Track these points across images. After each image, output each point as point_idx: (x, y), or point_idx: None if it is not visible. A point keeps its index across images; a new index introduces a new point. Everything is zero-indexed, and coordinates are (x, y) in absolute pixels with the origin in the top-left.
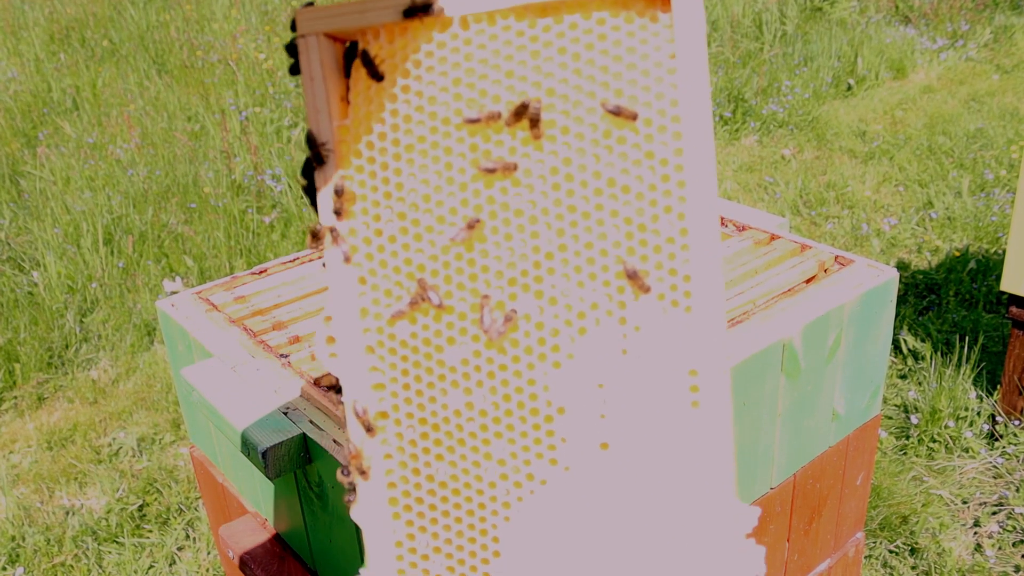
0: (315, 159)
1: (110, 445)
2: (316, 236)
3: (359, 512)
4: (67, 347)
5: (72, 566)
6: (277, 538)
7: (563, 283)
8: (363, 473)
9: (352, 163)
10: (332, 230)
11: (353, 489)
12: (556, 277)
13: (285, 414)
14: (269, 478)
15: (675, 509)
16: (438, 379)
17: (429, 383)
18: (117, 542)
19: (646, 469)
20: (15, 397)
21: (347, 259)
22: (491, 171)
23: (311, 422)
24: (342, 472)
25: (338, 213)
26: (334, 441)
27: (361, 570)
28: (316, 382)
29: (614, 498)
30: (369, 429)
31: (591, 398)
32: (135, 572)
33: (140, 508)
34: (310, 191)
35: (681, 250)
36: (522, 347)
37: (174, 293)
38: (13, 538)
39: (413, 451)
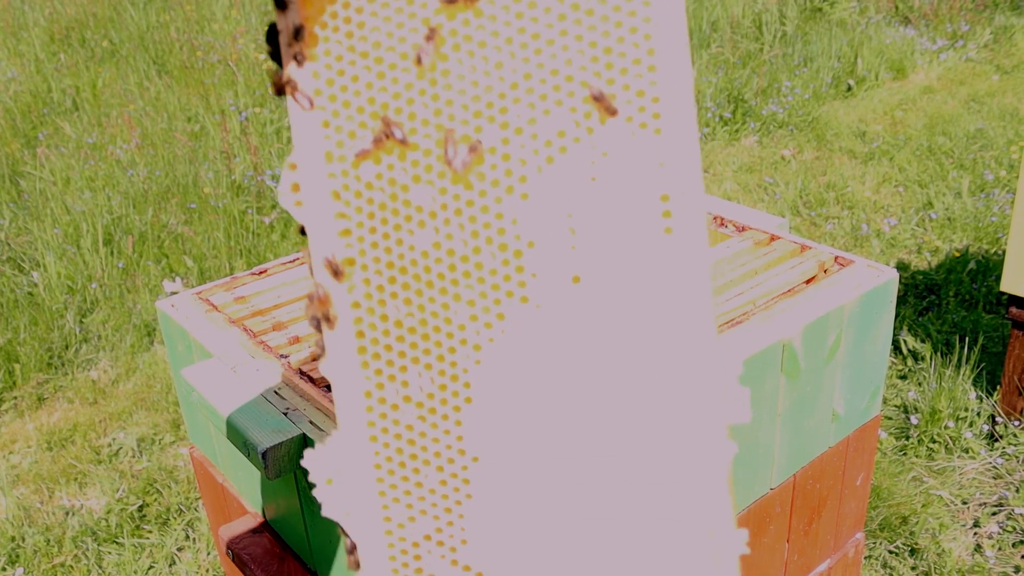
0: (277, 4)
1: (110, 445)
2: (278, 87)
3: (328, 365)
4: (67, 347)
5: (72, 567)
6: (277, 538)
7: (528, 112)
8: (329, 321)
9: (313, 6)
10: (290, 81)
11: (323, 348)
12: (521, 106)
13: (285, 414)
14: (269, 478)
15: (652, 344)
16: (405, 220)
17: (396, 225)
18: (117, 542)
19: (620, 301)
20: (15, 397)
21: (310, 104)
22: (452, 2)
23: (311, 422)
24: (311, 323)
25: (298, 59)
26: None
27: (334, 434)
28: (314, 381)
29: (588, 334)
30: (337, 272)
31: (561, 230)
32: (135, 572)
33: (140, 508)
34: (275, 55)
35: (648, 71)
36: (488, 180)
37: (174, 293)
38: (13, 538)
39: (381, 297)
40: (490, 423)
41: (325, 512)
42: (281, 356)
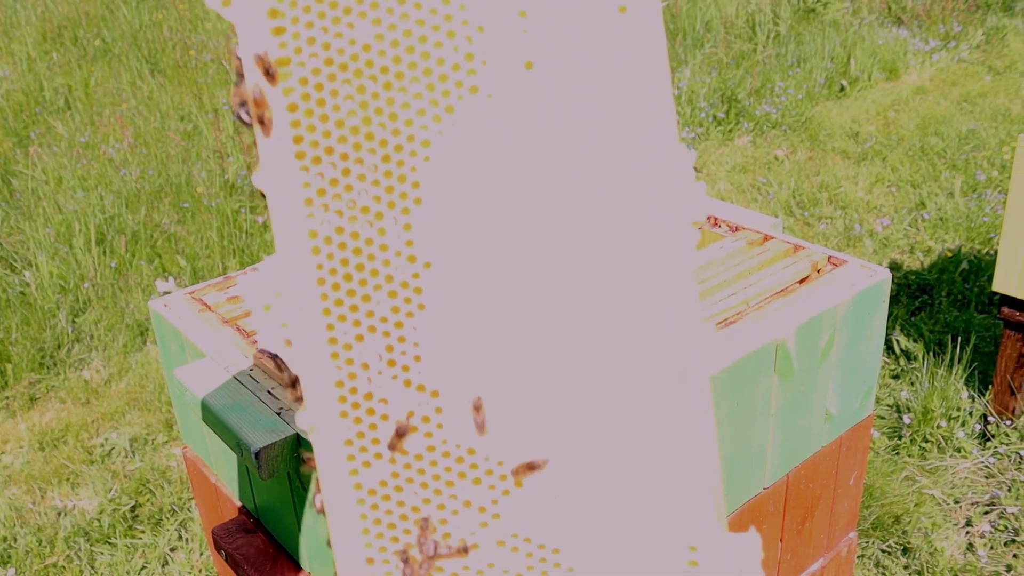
0: None
1: (102, 446)
2: None
3: (263, 175)
4: (59, 347)
5: (64, 567)
6: (270, 538)
7: None
8: (264, 125)
9: None
10: None
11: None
12: None
13: (278, 414)
14: (262, 478)
15: (610, 130)
16: (344, 12)
17: (334, 18)
18: (109, 543)
19: (575, 87)
20: (7, 397)
21: None
22: None
23: None
24: (235, 117)
25: None
26: None
27: (267, 258)
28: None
29: (543, 125)
30: (270, 74)
31: (511, 12)
32: (127, 573)
33: (132, 509)
34: None
35: None
36: None
37: (167, 293)
38: (4, 539)
39: (320, 96)
40: (442, 225)
41: (262, 343)
42: (274, 356)
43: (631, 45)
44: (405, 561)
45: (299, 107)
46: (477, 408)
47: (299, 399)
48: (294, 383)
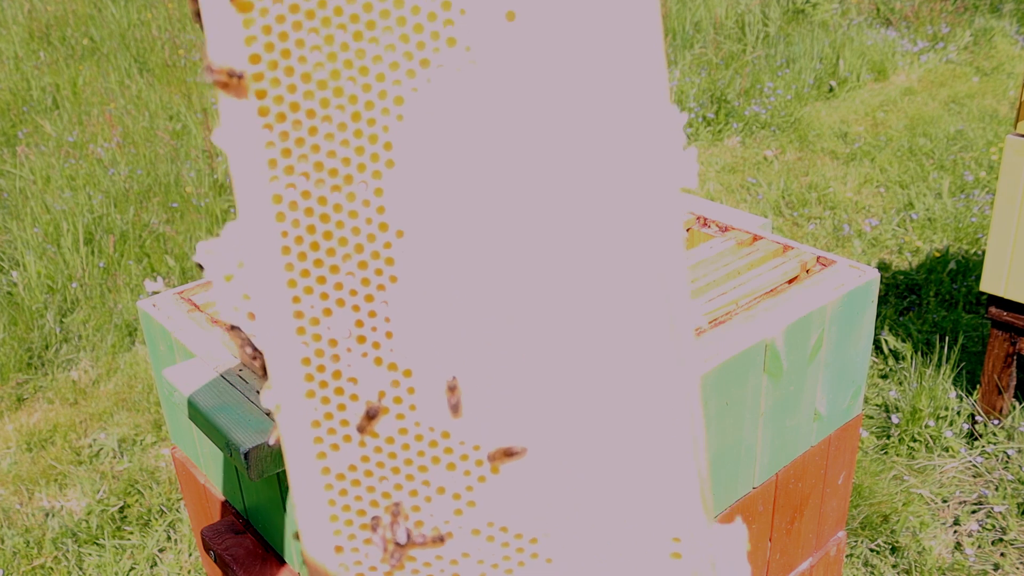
0: None
1: (91, 446)
2: None
3: (223, 134)
4: (47, 347)
5: (52, 568)
6: (259, 539)
7: None
8: (227, 86)
9: None
10: None
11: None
12: None
13: (267, 415)
14: (251, 479)
15: (597, 89)
16: None
17: None
18: (97, 544)
19: (560, 41)
20: None
21: None
22: None
23: None
24: (206, 73)
25: None
26: None
27: (230, 223)
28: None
29: (525, 82)
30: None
31: None
32: (116, 574)
33: (121, 510)
34: None
35: None
36: None
37: (156, 293)
38: None
39: (284, 46)
40: (416, 190)
41: (223, 315)
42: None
43: None
44: (376, 549)
45: (262, 58)
46: (452, 389)
47: (264, 375)
48: (256, 358)
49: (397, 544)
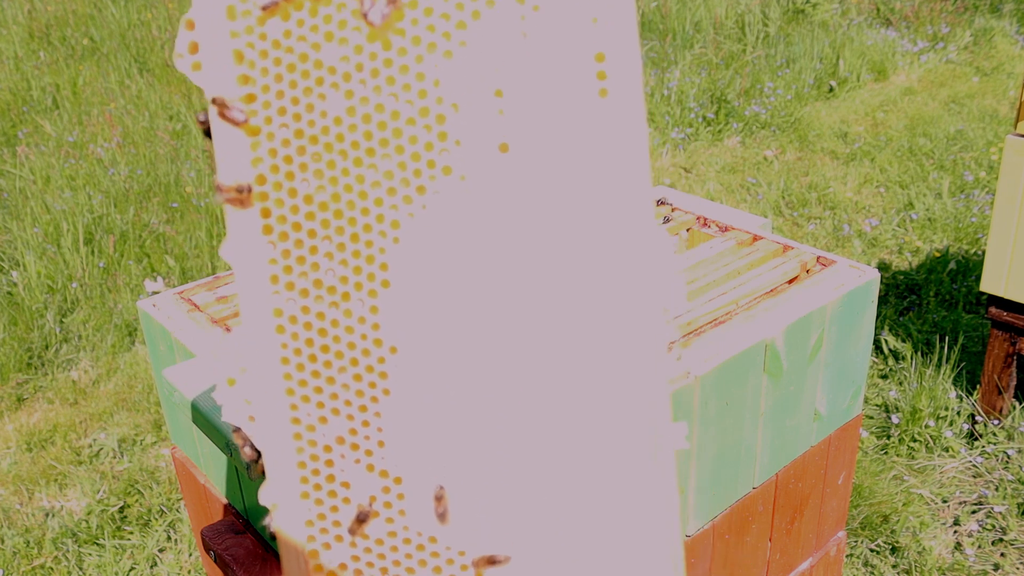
0: None
1: (91, 446)
2: None
3: (230, 247)
4: (47, 347)
5: (52, 568)
6: (259, 539)
7: None
8: (235, 202)
9: None
10: None
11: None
12: None
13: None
14: (251, 479)
15: (587, 220)
16: (316, 83)
17: (306, 88)
18: (97, 544)
19: (552, 172)
20: None
21: None
22: None
23: None
24: (217, 193)
25: None
26: None
27: (236, 328)
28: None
29: (517, 209)
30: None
31: (487, 92)
32: (116, 574)
33: (121, 510)
34: None
35: None
36: (409, 37)
37: (156, 293)
38: None
39: (288, 169)
40: (409, 310)
41: (226, 416)
42: (238, 429)
43: (610, 131)
44: None
45: (267, 179)
46: (439, 498)
47: (261, 473)
48: (256, 459)
49: None
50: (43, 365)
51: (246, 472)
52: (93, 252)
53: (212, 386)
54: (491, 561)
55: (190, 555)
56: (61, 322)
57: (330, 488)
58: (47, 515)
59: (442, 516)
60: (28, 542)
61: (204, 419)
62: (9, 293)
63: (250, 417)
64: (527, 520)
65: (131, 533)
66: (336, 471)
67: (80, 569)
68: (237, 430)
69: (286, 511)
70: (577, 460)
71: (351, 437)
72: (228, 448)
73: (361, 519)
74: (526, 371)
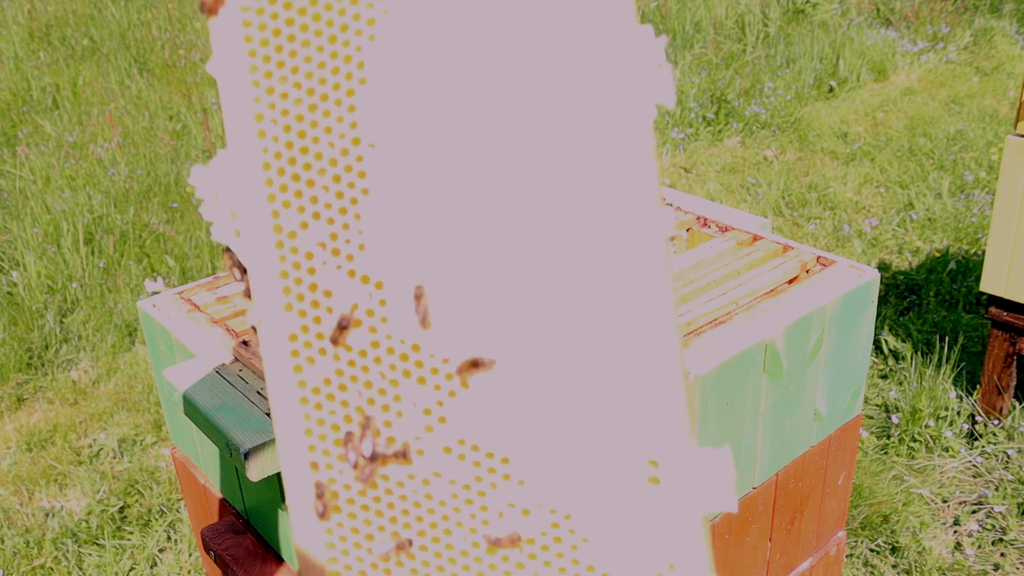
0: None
1: (91, 446)
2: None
3: (214, 63)
4: (47, 348)
5: (52, 568)
6: (259, 539)
7: None
8: (213, 9)
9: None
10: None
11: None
12: None
13: (268, 415)
14: (251, 479)
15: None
16: None
17: None
18: (98, 544)
19: None
20: None
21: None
22: None
23: None
24: (200, 6)
25: None
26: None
27: (220, 151)
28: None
29: (493, 6)
30: None
31: None
32: (116, 574)
33: (121, 510)
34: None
35: None
36: None
37: (156, 293)
38: None
39: None
40: (387, 105)
41: (215, 235)
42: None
43: None
44: (348, 465)
45: None
46: (418, 297)
47: (248, 293)
48: (243, 276)
49: (366, 459)
50: (43, 365)
51: (246, 472)
52: (93, 252)
53: (210, 385)
54: (475, 364)
55: (190, 555)
56: (61, 322)
57: (312, 297)
58: (47, 515)
59: (423, 319)
60: (28, 542)
61: (203, 418)
62: (9, 293)
63: (236, 232)
64: (513, 322)
65: (131, 533)
66: (318, 279)
67: (80, 569)
68: (226, 251)
69: (270, 326)
70: (564, 259)
71: (332, 242)
72: (228, 448)
73: (343, 327)
74: (506, 162)
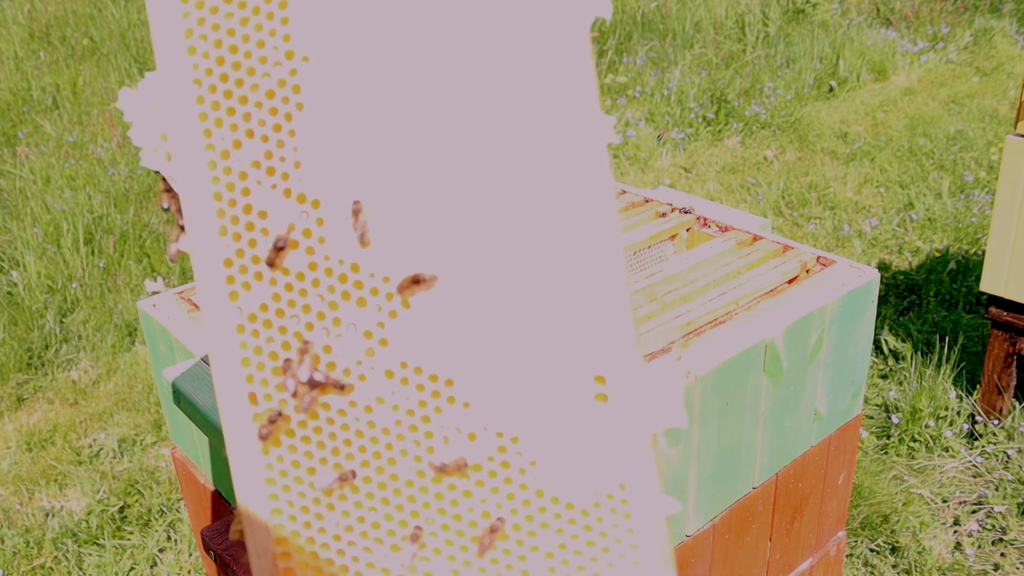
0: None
1: (91, 446)
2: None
3: None
4: (47, 347)
5: (52, 568)
6: None
7: None
8: None
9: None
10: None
11: None
12: None
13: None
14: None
15: None
16: None
17: None
18: (98, 544)
19: None
20: None
21: None
22: None
23: None
24: None
25: None
26: None
27: (148, 74)
28: None
29: None
30: None
31: None
32: (116, 574)
33: (121, 510)
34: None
35: None
36: None
37: (156, 293)
38: None
39: None
40: (321, 16)
41: (145, 161)
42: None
43: None
44: (287, 394)
45: None
46: (356, 213)
47: (181, 228)
48: (173, 203)
49: (305, 386)
50: (43, 365)
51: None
52: (93, 252)
53: (210, 384)
54: (415, 281)
55: (190, 555)
56: (61, 322)
57: (247, 219)
58: (47, 515)
59: (361, 237)
60: (28, 542)
61: (203, 418)
62: (9, 293)
63: (167, 155)
64: (453, 238)
65: (131, 533)
66: (253, 199)
67: (80, 569)
68: (160, 180)
69: (204, 252)
70: (502, 173)
71: (266, 161)
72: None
73: (279, 248)
74: (444, 75)
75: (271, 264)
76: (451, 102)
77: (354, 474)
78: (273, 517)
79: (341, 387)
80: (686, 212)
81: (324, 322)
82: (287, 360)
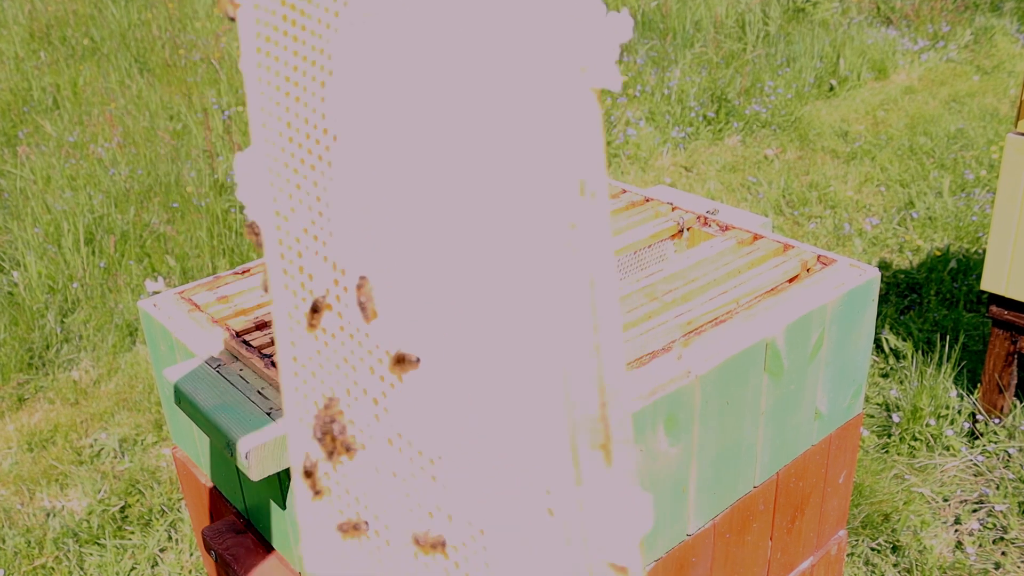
0: None
1: (91, 446)
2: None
3: (242, 60)
4: (48, 347)
5: (53, 568)
6: (260, 539)
7: None
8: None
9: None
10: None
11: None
12: None
13: (268, 414)
14: (252, 479)
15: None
16: None
17: None
18: (99, 544)
19: None
20: None
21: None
22: None
23: None
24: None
25: None
26: None
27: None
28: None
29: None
30: None
31: None
32: (117, 574)
33: (122, 509)
34: None
35: None
36: None
37: (156, 293)
38: None
39: None
40: (349, 99)
41: (249, 214)
42: (264, 356)
43: None
44: (319, 441)
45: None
46: (359, 287)
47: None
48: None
49: (332, 437)
50: (44, 365)
51: (247, 471)
52: (94, 252)
53: (211, 384)
54: (399, 360)
55: (191, 555)
56: (62, 322)
57: (300, 279)
58: (48, 515)
59: (363, 307)
60: (29, 542)
61: (203, 418)
62: (10, 293)
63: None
64: (439, 323)
65: (132, 533)
66: (304, 262)
67: (81, 569)
68: (250, 224)
69: (277, 303)
70: (491, 271)
71: (312, 228)
72: (228, 448)
73: (315, 310)
74: (450, 158)
75: (311, 324)
76: (457, 198)
77: (367, 524)
78: None
79: (348, 449)
80: (711, 213)
81: (346, 382)
82: (321, 411)
